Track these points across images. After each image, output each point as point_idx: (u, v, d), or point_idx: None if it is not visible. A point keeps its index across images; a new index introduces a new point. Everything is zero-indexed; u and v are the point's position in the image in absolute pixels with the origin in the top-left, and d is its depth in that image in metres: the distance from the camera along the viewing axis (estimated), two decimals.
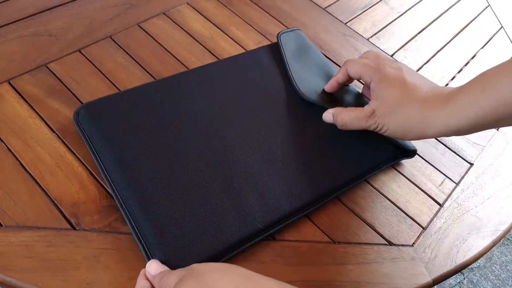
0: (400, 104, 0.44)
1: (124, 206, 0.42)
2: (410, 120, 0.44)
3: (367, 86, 0.53)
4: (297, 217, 0.45)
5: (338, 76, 0.52)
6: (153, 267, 0.38)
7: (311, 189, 0.47)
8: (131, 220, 0.41)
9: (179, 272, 0.34)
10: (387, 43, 0.70)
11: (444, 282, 1.28)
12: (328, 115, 0.51)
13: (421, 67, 0.68)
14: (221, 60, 0.58)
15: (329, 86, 0.54)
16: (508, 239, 1.42)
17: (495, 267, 1.34)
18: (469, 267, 1.34)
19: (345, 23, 0.71)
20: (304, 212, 0.46)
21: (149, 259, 0.39)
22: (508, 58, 0.56)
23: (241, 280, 0.31)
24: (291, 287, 0.31)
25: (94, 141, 0.46)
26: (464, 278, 1.30)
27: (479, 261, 1.35)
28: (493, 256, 1.37)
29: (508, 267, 1.34)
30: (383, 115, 0.45)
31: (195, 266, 0.34)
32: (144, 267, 0.38)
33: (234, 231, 0.42)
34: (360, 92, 0.56)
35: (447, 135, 0.44)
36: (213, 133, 0.49)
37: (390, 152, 0.52)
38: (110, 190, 0.43)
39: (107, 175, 0.44)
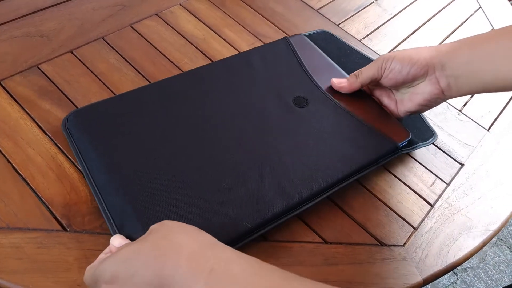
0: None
1: (108, 213, 0.42)
2: (416, 49, 0.50)
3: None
4: (289, 216, 0.45)
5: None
6: (117, 240, 0.38)
7: (303, 187, 0.46)
8: (116, 228, 0.41)
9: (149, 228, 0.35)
10: (379, 45, 0.70)
11: (437, 282, 1.29)
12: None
13: None
14: (211, 63, 0.58)
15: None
16: (501, 239, 1.43)
17: (488, 267, 1.35)
18: (462, 267, 1.34)
19: (338, 25, 0.72)
20: (296, 211, 0.46)
21: None
22: None
23: (204, 244, 0.32)
24: (247, 259, 0.31)
25: (82, 149, 0.46)
26: (458, 279, 1.31)
27: (472, 261, 1.36)
28: (486, 256, 1.37)
29: (501, 268, 1.35)
30: (389, 54, 0.51)
31: (165, 222, 0.34)
32: None
33: (223, 232, 0.42)
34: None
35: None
36: (202, 135, 0.49)
37: (387, 148, 0.51)
38: (95, 198, 0.43)
39: (93, 183, 0.44)
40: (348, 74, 0.58)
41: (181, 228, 0.34)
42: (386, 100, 0.55)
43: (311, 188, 0.47)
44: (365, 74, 0.53)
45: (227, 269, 0.30)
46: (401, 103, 0.53)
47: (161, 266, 0.30)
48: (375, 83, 0.54)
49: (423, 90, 0.49)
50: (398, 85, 0.52)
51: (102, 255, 0.37)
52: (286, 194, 0.46)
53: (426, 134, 0.57)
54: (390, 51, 0.70)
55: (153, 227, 0.34)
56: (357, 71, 0.54)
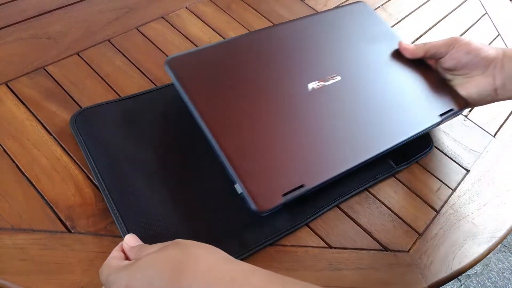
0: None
1: (117, 212, 0.42)
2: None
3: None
4: (292, 229, 0.45)
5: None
6: (131, 239, 0.38)
7: (303, 201, 0.47)
8: (124, 226, 0.41)
9: (161, 244, 0.35)
10: None
11: None
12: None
13: None
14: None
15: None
16: (505, 246, 1.41)
17: (492, 274, 1.34)
18: (466, 274, 1.33)
19: None
20: (300, 224, 0.46)
21: None
22: None
23: (221, 259, 0.32)
24: (265, 271, 0.31)
25: (90, 147, 0.46)
26: (461, 285, 1.30)
27: (476, 268, 1.35)
28: (490, 263, 1.36)
29: (505, 274, 1.34)
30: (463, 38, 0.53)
31: (180, 240, 0.35)
32: None
33: (230, 242, 0.42)
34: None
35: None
36: (199, 147, 0.49)
37: (382, 166, 0.52)
38: (104, 197, 0.43)
39: (101, 181, 0.44)
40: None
41: (198, 244, 0.34)
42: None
43: (308, 202, 0.47)
44: (433, 44, 0.55)
45: (247, 280, 0.30)
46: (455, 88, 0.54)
47: (178, 277, 0.30)
48: (436, 59, 0.55)
49: (478, 83, 0.51)
50: (457, 69, 0.53)
51: (114, 252, 0.37)
52: (285, 207, 0.45)
53: (424, 142, 0.57)
54: None
55: (167, 243, 0.34)
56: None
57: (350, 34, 0.57)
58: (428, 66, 0.57)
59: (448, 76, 0.55)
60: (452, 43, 0.53)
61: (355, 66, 0.53)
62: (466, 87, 0.53)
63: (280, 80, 0.48)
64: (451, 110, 0.53)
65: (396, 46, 0.57)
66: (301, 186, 0.42)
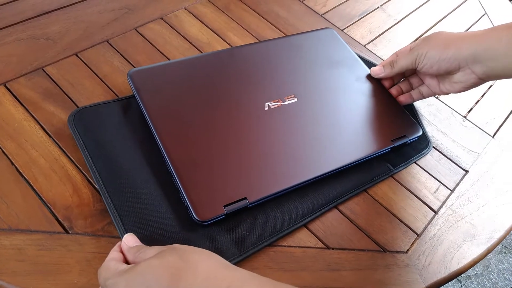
0: (439, 37, 0.51)
1: (115, 212, 0.42)
2: (446, 41, 0.50)
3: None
4: (289, 231, 0.45)
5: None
6: (130, 239, 0.38)
7: (300, 202, 0.47)
8: (122, 226, 0.41)
9: (159, 247, 0.35)
10: (383, 50, 0.70)
11: None
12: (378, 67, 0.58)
13: None
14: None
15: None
16: (506, 247, 1.41)
17: (492, 275, 1.34)
18: (466, 275, 1.33)
19: (342, 30, 0.72)
20: (295, 225, 0.46)
21: None
22: None
23: (219, 265, 0.33)
24: (262, 278, 0.32)
25: (88, 146, 0.46)
26: (461, 286, 1.29)
27: (476, 269, 1.35)
28: (490, 264, 1.36)
29: (505, 275, 1.34)
30: (423, 45, 0.52)
31: (177, 245, 0.35)
32: None
33: (226, 247, 0.42)
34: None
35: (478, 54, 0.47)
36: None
37: (380, 168, 0.53)
38: (102, 196, 0.43)
39: (100, 181, 0.44)
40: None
41: (195, 250, 0.34)
42: (429, 79, 0.55)
43: (307, 203, 0.47)
44: (400, 64, 0.55)
45: (244, 287, 0.30)
46: (443, 84, 0.54)
47: (176, 283, 0.30)
48: (413, 71, 0.56)
49: (460, 79, 0.50)
50: (434, 75, 0.53)
51: (113, 253, 0.37)
52: (283, 208, 0.46)
53: (422, 144, 0.57)
54: None
55: (164, 248, 0.34)
56: (392, 58, 0.56)
57: (313, 58, 0.59)
58: (387, 93, 0.58)
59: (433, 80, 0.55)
60: (416, 59, 0.52)
61: (313, 89, 0.55)
62: (453, 85, 0.52)
63: (239, 97, 0.51)
64: (404, 136, 0.53)
65: (358, 72, 0.59)
66: (243, 198, 0.43)
